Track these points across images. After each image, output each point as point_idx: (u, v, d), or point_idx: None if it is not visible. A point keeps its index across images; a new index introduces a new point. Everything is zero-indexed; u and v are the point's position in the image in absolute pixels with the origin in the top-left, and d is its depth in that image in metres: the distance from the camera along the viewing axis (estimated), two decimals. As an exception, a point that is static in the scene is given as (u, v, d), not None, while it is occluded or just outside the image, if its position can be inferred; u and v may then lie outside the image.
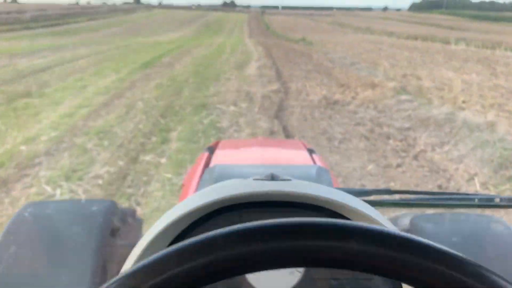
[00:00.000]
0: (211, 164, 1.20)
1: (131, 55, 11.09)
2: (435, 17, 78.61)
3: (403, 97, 5.80)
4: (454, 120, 4.64)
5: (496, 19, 69.61)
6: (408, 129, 4.62)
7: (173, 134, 4.35)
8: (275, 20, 50.33)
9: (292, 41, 17.54)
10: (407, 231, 0.76)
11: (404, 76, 7.92)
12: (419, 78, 7.65)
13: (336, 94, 6.29)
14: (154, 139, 4.21)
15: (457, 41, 18.36)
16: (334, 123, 4.87)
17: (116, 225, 0.88)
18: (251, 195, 0.48)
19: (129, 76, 7.62)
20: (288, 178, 0.55)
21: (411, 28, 34.83)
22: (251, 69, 8.87)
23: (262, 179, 0.54)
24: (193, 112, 5.21)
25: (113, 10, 67.95)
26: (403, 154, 3.90)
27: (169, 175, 3.31)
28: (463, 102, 5.69)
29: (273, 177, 0.54)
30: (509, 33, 32.39)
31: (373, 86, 6.62)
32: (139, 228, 1.14)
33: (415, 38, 21.23)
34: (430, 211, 1.07)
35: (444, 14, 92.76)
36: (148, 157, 3.72)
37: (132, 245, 0.48)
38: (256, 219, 0.28)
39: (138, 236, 1.05)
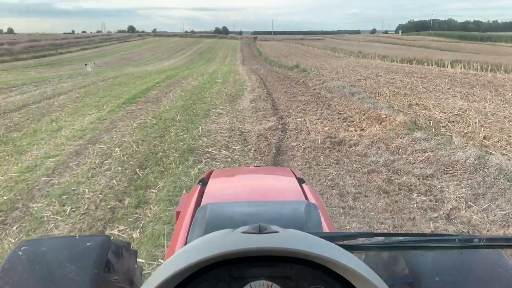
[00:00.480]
0: (203, 200, 1.25)
1: (117, 88, 10.46)
2: (423, 38, 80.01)
3: (417, 134, 5.13)
4: (483, 165, 3.95)
5: (482, 39, 70.99)
6: (431, 176, 3.91)
7: (152, 193, 3.60)
8: (267, 45, 50.60)
9: (286, 67, 17.11)
10: (406, 272, 0.81)
11: (410, 106, 7.31)
12: (427, 108, 7.04)
13: (340, 131, 5.62)
14: (128, 200, 3.45)
15: (453, 63, 18.05)
16: (344, 170, 4.15)
17: (111, 260, 0.88)
18: (239, 252, 0.52)
19: (110, 114, 6.92)
20: (276, 230, 0.59)
21: (402, 50, 34.93)
22: (245, 101, 8.24)
23: (250, 232, 0.58)
24: (178, 160, 4.47)
25: (108, 39, 68.32)
26: (433, 214, 3.17)
27: (141, 260, 2.54)
28: (485, 138, 5.03)
29: (260, 230, 0.58)
30: (499, 53, 32.53)
31: (380, 120, 5.97)
32: (134, 259, 1.15)
33: (409, 61, 20.97)
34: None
35: (432, 35, 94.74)
36: (116, 230, 2.96)
37: (126, 279, 0.56)
38: (245, 274, 0.35)
39: (132, 269, 1.07)
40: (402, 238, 0.79)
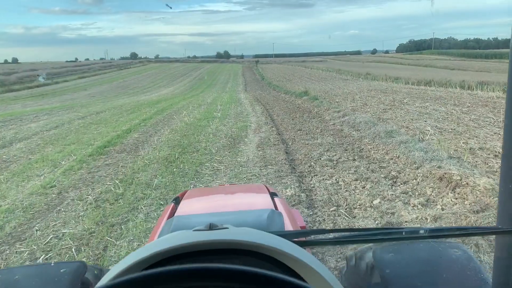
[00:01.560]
0: (175, 214, 1.29)
1: (94, 129, 8.64)
2: (427, 57, 78.92)
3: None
4: None
5: (487, 57, 69.72)
6: None
7: None
8: (269, 69, 49.25)
9: (293, 94, 15.32)
10: (371, 263, 0.85)
11: (472, 151, 5.38)
12: (498, 155, 5.11)
13: (399, 206, 3.67)
14: None
15: (480, 85, 16.20)
16: None
17: (86, 285, 0.87)
18: (187, 246, 0.55)
19: (64, 176, 5.02)
20: (226, 226, 0.63)
21: (411, 71, 33.29)
22: (250, 147, 6.34)
23: (201, 230, 0.62)
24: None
25: (108, 66, 67.74)
26: None
27: None
28: None
29: (211, 227, 0.62)
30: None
31: (451, 183, 4.03)
32: None
33: (427, 83, 19.17)
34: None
35: (435, 54, 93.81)
36: None
37: None
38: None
39: None
40: (352, 233, 0.82)
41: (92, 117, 10.99)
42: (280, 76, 32.56)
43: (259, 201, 1.47)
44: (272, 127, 8.02)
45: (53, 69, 55.19)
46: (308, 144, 6.41)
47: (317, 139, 6.76)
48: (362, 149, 5.94)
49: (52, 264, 0.91)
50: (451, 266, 0.83)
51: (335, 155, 5.62)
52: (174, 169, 5.14)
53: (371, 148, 5.87)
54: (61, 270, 0.87)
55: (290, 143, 6.58)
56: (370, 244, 0.90)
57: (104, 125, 9.15)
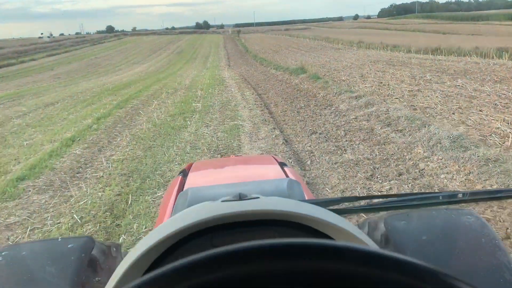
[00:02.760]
0: (185, 187, 1.22)
1: (28, 136, 6.24)
2: (412, 21, 76.14)
3: None
4: None
5: (473, 19, 67.66)
6: None
7: None
8: (252, 39, 45.90)
9: (287, 71, 12.96)
10: (383, 232, 0.79)
11: None
12: None
13: None
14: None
15: (499, 52, 14.11)
16: None
17: (94, 261, 0.82)
18: (219, 218, 0.50)
19: None
20: (256, 196, 0.59)
21: (405, 37, 30.91)
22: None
23: (230, 200, 0.58)
24: None
25: (81, 41, 62.93)
26: None
27: None
28: None
29: (241, 197, 0.59)
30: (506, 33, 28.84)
31: None
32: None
33: (434, 51, 16.95)
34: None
35: (419, 18, 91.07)
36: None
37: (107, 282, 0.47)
38: (227, 240, 0.29)
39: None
40: (386, 199, 0.81)
41: (37, 113, 8.50)
42: (265, 48, 29.81)
43: (271, 171, 1.42)
44: (273, 128, 5.75)
45: (23, 46, 50.59)
46: (336, 164, 4.19)
47: (345, 151, 4.57)
48: (423, 170, 3.81)
49: (59, 240, 0.87)
50: (465, 233, 0.77)
51: (390, 188, 3.47)
52: (120, 235, 2.91)
53: (438, 171, 3.73)
54: (68, 246, 0.83)
55: (308, 163, 4.37)
56: (383, 213, 0.82)
57: (43, 129, 6.72)
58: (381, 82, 8.87)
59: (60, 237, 0.90)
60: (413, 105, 6.37)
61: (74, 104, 9.38)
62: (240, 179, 1.24)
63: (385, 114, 5.69)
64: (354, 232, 0.52)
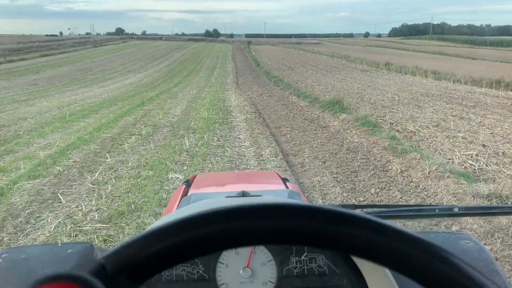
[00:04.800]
0: (188, 194, 1.31)
1: None
2: (427, 42, 73.00)
3: None
4: None
5: (491, 44, 64.55)
6: None
7: None
8: (263, 51, 42.49)
9: (315, 102, 9.55)
10: None
11: None
12: None
13: None
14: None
15: None
16: None
17: None
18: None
19: None
20: (259, 194, 0.65)
21: (435, 61, 27.58)
22: None
23: (234, 196, 0.63)
24: None
25: (83, 42, 60.07)
26: None
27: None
28: None
29: (244, 194, 0.65)
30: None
31: None
32: None
33: (490, 84, 13.55)
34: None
35: (434, 39, 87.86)
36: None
37: None
38: None
39: None
40: (382, 209, 0.80)
41: None
42: (278, 63, 26.52)
43: (273, 185, 1.47)
44: None
45: (13, 44, 47.70)
46: None
47: None
48: None
49: (59, 244, 0.88)
50: (463, 258, 0.75)
51: None
52: None
53: None
54: (68, 251, 0.84)
55: None
56: None
57: None
58: (484, 145, 5.44)
59: (60, 242, 0.92)
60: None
61: (8, 140, 5.95)
62: (243, 189, 1.10)
63: None
64: None
